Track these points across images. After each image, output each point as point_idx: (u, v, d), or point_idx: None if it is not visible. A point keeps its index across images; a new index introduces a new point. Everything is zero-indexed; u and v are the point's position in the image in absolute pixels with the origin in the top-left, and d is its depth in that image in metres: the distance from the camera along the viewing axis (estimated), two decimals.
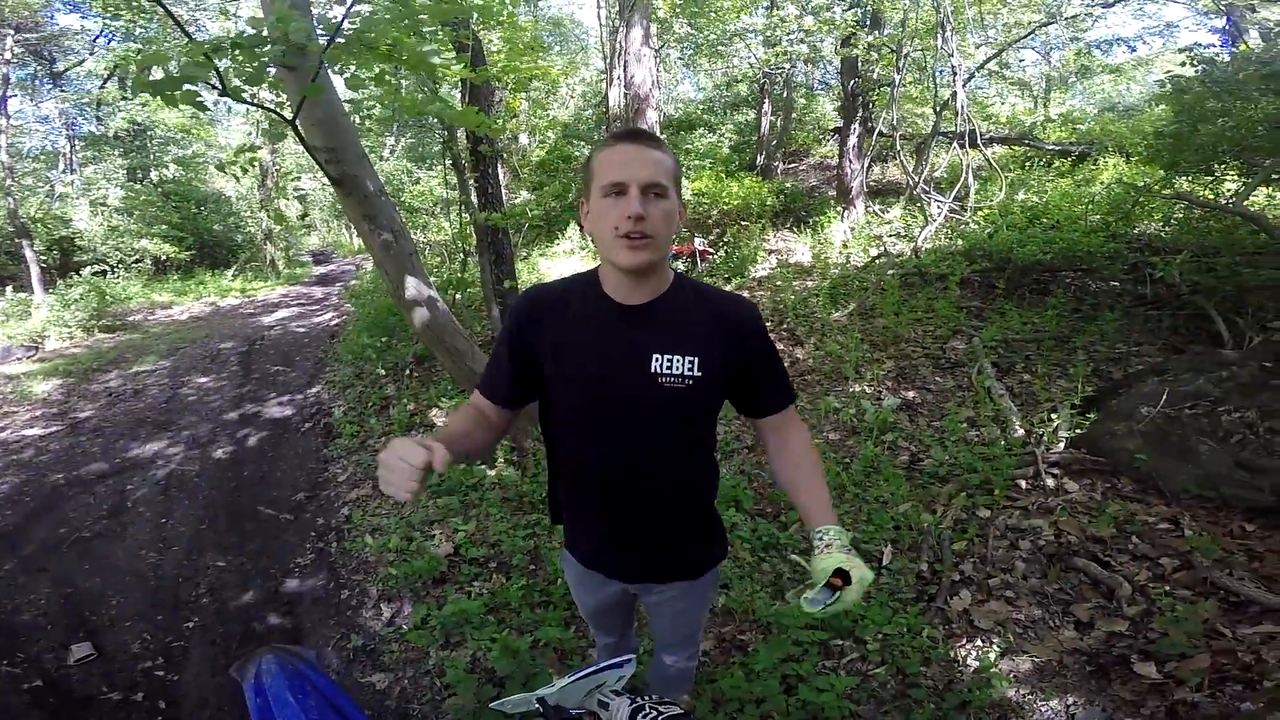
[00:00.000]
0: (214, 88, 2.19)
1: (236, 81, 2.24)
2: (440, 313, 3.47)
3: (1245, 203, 4.81)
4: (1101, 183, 7.85)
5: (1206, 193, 5.49)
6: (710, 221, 9.47)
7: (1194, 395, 3.31)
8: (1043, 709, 2.07)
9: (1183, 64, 5.54)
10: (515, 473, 3.73)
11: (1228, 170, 5.28)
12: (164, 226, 14.25)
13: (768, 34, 9.28)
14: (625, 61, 9.96)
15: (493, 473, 3.77)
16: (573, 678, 0.99)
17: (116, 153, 15.39)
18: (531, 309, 1.30)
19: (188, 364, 7.27)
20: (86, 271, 10.85)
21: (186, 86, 2.08)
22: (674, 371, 1.21)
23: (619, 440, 1.27)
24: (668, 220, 1.16)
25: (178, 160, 16.63)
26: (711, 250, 8.51)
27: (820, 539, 1.17)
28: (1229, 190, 5.42)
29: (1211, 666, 2.07)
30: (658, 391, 1.21)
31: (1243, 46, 7.53)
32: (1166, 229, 5.91)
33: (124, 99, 13.77)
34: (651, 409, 1.23)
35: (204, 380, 6.59)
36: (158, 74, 2.16)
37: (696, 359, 1.21)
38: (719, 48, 10.85)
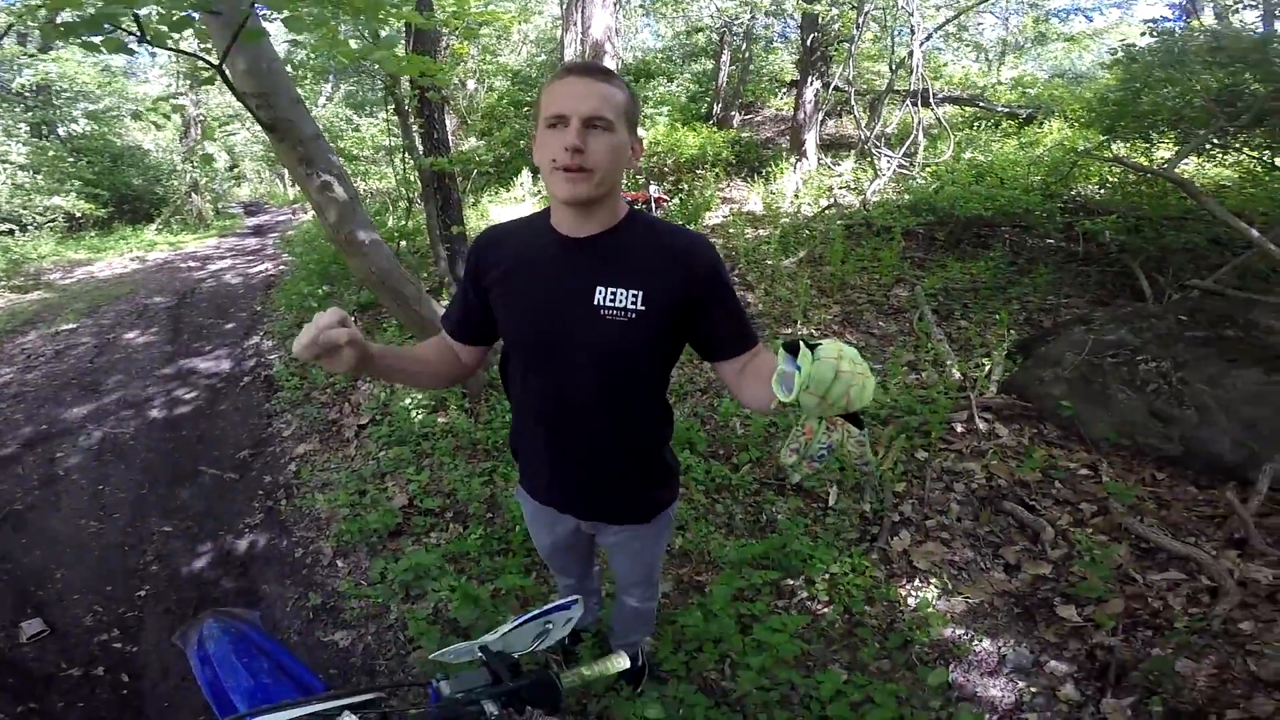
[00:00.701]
0: (132, 34, 2.01)
1: (160, 28, 2.06)
2: (385, 257, 3.35)
3: (1176, 170, 5.04)
4: (1045, 145, 8.10)
5: (1141, 158, 5.74)
6: (666, 170, 9.38)
7: (1116, 344, 3.51)
8: (976, 649, 2.21)
9: (1143, 34, 5.72)
10: (468, 420, 3.71)
11: (1164, 138, 5.51)
12: (77, 183, 13.22)
13: None
14: (583, 5, 9.60)
15: (444, 420, 3.73)
16: (516, 622, 0.99)
17: (18, 109, 14.07)
18: (486, 246, 1.31)
19: (113, 321, 6.87)
20: None
21: (105, 30, 1.90)
22: (617, 305, 1.18)
23: (562, 373, 1.26)
24: (613, 154, 1.12)
25: (89, 115, 15.33)
26: (666, 198, 8.47)
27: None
28: (1162, 159, 5.68)
29: (1125, 611, 2.23)
30: (600, 325, 1.19)
31: (1195, 22, 7.80)
32: (1101, 191, 6.18)
33: (28, 56, 12.53)
34: (593, 342, 1.21)
35: (132, 336, 6.25)
36: (65, 18, 1.96)
37: (641, 293, 1.18)
38: None
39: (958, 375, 3.88)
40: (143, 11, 2.00)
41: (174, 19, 2.05)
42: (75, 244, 12.23)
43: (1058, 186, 6.29)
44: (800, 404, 0.87)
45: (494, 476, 3.24)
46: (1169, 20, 10.20)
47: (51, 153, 13.46)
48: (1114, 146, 5.79)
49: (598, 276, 1.19)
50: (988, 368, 3.88)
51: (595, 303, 1.19)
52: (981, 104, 10.62)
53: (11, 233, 11.22)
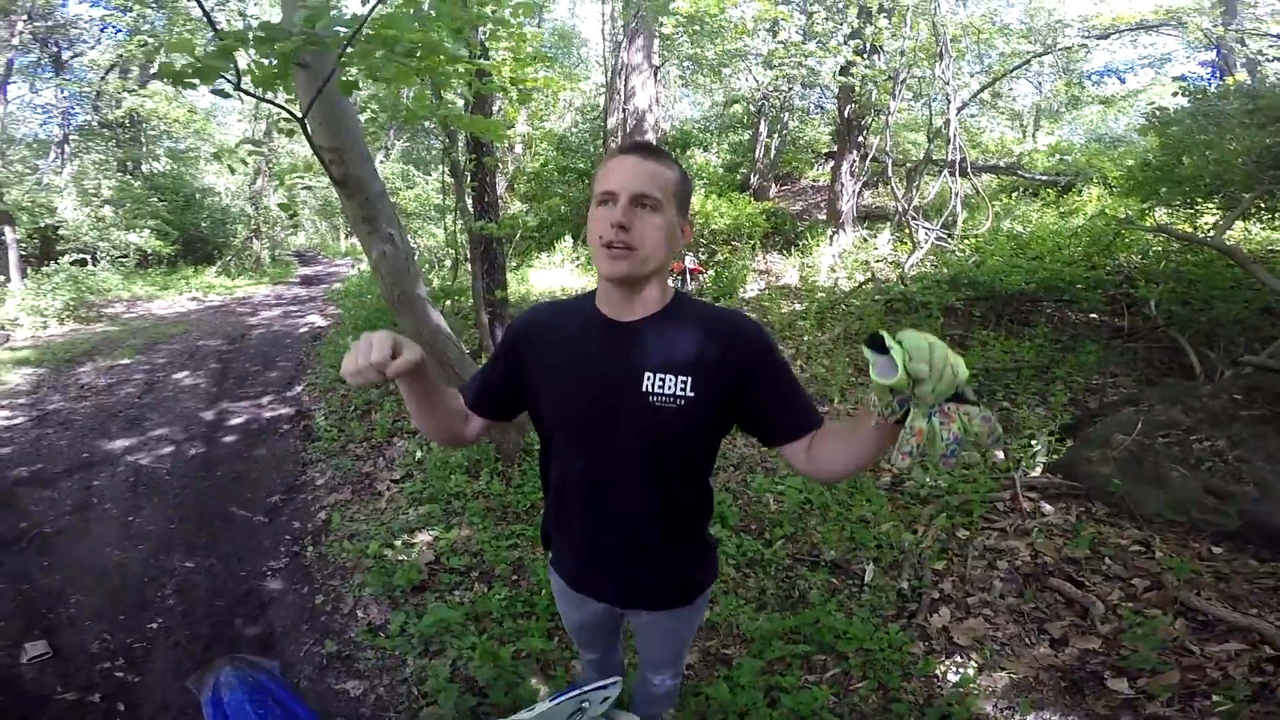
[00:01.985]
0: (230, 82, 2.18)
1: (248, 78, 2.23)
2: (433, 319, 3.46)
3: (1223, 236, 4.92)
4: (1085, 214, 8.03)
5: (1185, 225, 5.62)
6: (701, 241, 9.54)
7: (1167, 425, 3.39)
8: None
9: (1175, 94, 5.67)
10: (500, 484, 3.71)
11: (1207, 203, 5.40)
12: (153, 221, 14.06)
13: (768, 57, 9.42)
14: (626, 77, 10.05)
15: (477, 484, 3.74)
16: (555, 700, 0.95)
17: (110, 144, 15.20)
18: (528, 327, 1.30)
19: (165, 360, 7.15)
20: (64, 260, 10.65)
21: (212, 78, 2.08)
22: (666, 391, 1.16)
23: (608, 458, 1.23)
24: (659, 233, 1.13)
25: (170, 153, 16.46)
26: (702, 269, 8.56)
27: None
28: (1207, 224, 5.56)
29: (1181, 682, 2.13)
30: (649, 411, 1.17)
31: (1230, 80, 7.77)
32: (1145, 261, 6.05)
33: (128, 90, 13.62)
34: (641, 428, 1.18)
35: (181, 376, 6.49)
36: (181, 62, 2.14)
37: (690, 379, 1.16)
38: (720, 68, 10.98)
39: (1000, 456, 3.76)
40: (252, 55, 2.17)
41: (273, 71, 2.22)
42: (141, 280, 12.89)
43: (1100, 258, 6.19)
44: (911, 377, 0.82)
45: (522, 540, 3.21)
46: (1200, 80, 10.21)
47: (137, 187, 14.36)
48: (1156, 214, 5.68)
49: (646, 363, 1.18)
50: (1034, 449, 3.75)
51: (644, 389, 1.17)
52: (1019, 172, 10.65)
53: (84, 263, 11.88)
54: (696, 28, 9.28)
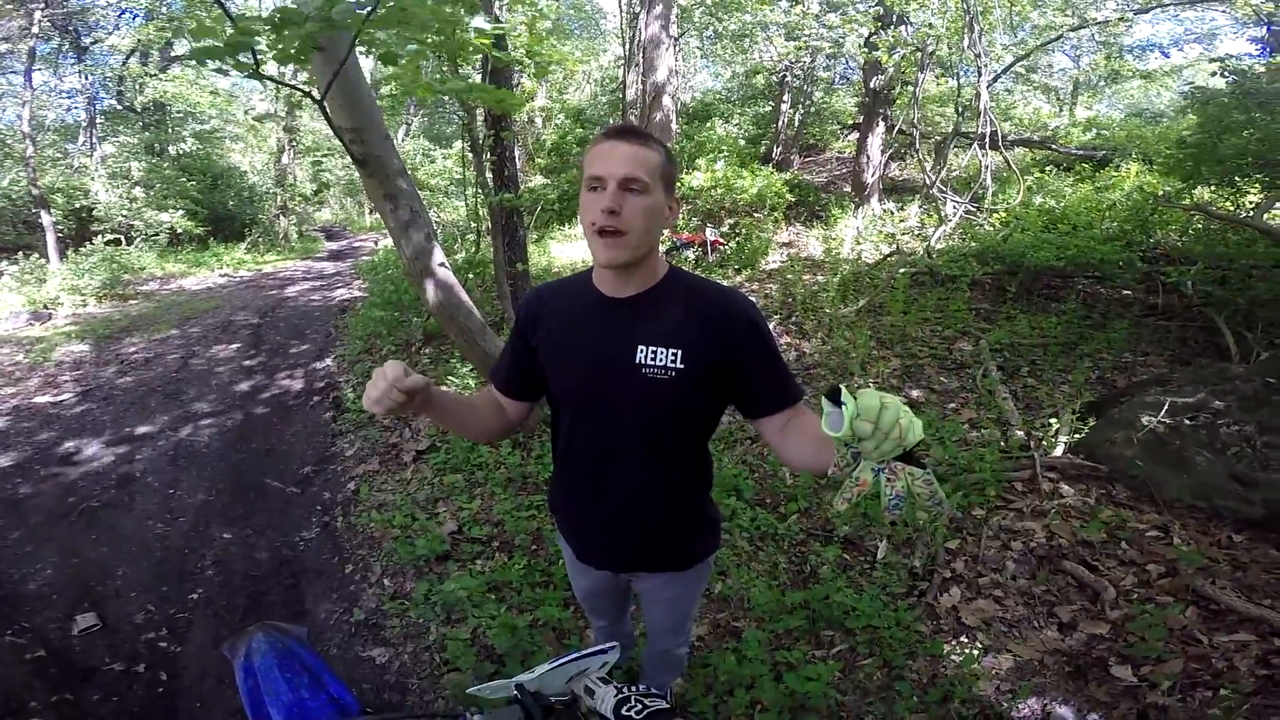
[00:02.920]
0: (247, 64, 2.23)
1: (270, 60, 2.27)
2: (455, 292, 3.52)
3: (1265, 217, 4.76)
4: (1122, 190, 7.79)
5: (1226, 205, 5.45)
6: (723, 211, 9.45)
7: (1195, 407, 3.32)
8: (1021, 706, 2.12)
9: (1214, 74, 5.47)
10: (519, 455, 3.79)
11: (1250, 183, 5.22)
12: (184, 201, 14.37)
13: (790, 28, 9.21)
14: (644, 48, 9.91)
15: (499, 454, 3.82)
16: (553, 664, 1.00)
17: (136, 127, 15.50)
18: (534, 305, 1.38)
19: (200, 334, 7.36)
20: (99, 240, 10.95)
21: (235, 59, 2.13)
22: (657, 363, 1.22)
23: (606, 429, 1.31)
24: (647, 215, 1.17)
25: (195, 135, 16.72)
26: (723, 241, 8.48)
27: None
28: (1249, 204, 5.38)
29: (1184, 671, 2.12)
30: (641, 382, 1.23)
31: (1278, 58, 7.41)
32: (1183, 239, 5.88)
33: (149, 75, 13.84)
34: (635, 399, 1.25)
35: (215, 350, 6.68)
36: (196, 44, 2.19)
37: (680, 352, 1.22)
38: (740, 38, 10.76)
39: (1021, 434, 3.73)
40: (269, 38, 2.22)
41: (289, 53, 2.26)
42: (173, 258, 13.22)
43: (1136, 234, 6.02)
44: (855, 434, 0.87)
45: (540, 511, 3.29)
46: (1248, 56, 9.72)
47: (165, 168, 14.68)
48: (1196, 192, 5.51)
49: (639, 336, 1.24)
50: (1055, 427, 3.71)
51: (637, 361, 1.23)
52: (1053, 146, 10.32)
53: (118, 242, 12.22)
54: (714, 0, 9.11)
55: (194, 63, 2.16)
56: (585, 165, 1.20)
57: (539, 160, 12.99)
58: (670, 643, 1.76)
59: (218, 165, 17.04)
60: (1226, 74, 5.38)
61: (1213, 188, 5.51)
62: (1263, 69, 5.80)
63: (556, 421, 1.42)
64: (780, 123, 12.00)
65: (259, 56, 2.20)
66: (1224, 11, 9.45)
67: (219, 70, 2.20)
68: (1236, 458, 2.97)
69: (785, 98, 11.93)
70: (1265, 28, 8.96)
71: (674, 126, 10.89)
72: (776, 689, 2.10)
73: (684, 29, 11.90)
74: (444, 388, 1.20)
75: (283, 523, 3.49)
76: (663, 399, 1.24)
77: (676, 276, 1.30)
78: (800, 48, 9.25)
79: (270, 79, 2.47)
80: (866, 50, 8.36)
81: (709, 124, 12.69)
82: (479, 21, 2.58)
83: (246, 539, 3.33)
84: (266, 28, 2.14)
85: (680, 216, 9.73)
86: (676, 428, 1.30)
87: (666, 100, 10.08)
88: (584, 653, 1.02)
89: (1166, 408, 3.33)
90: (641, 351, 1.23)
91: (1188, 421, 3.23)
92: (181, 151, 16.31)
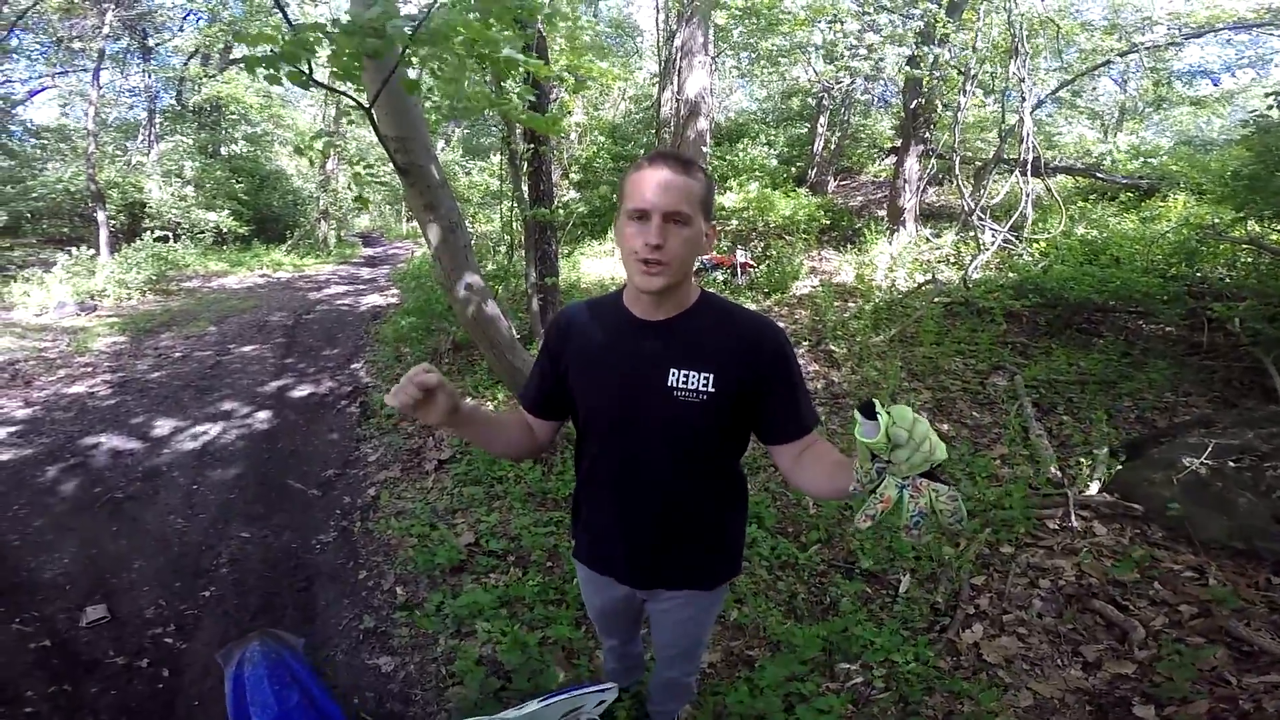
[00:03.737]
0: (304, 74, 2.28)
1: (327, 70, 2.34)
2: (488, 305, 3.54)
3: None
4: (1168, 220, 7.55)
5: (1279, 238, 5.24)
6: (755, 234, 9.40)
7: (1240, 449, 3.18)
8: None
9: (1269, 106, 5.30)
10: (540, 470, 3.77)
11: None
12: (230, 201, 14.83)
13: (829, 48, 9.18)
14: (679, 67, 9.96)
15: (519, 468, 3.82)
16: (545, 701, 0.96)
17: (192, 127, 16.09)
18: (565, 325, 1.41)
19: (235, 332, 7.54)
20: (148, 237, 11.34)
21: (289, 68, 2.19)
22: (689, 386, 1.24)
23: (636, 449, 1.32)
24: (688, 246, 1.19)
25: (247, 137, 17.29)
26: (753, 265, 8.42)
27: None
28: None
29: (1209, 712, 2.04)
30: (673, 405, 1.25)
31: None
32: (1231, 274, 5.66)
33: (208, 76, 14.40)
34: (666, 421, 1.27)
35: (249, 349, 6.83)
36: (256, 51, 2.25)
37: (712, 376, 1.24)
38: (777, 59, 10.77)
39: (1055, 472, 3.60)
40: (327, 48, 2.28)
41: (346, 62, 2.31)
42: (216, 256, 13.62)
43: (1181, 268, 5.82)
44: (890, 441, 0.88)
45: (559, 527, 3.26)
46: None
47: (217, 170, 15.21)
48: (1248, 226, 5.31)
49: (671, 359, 1.26)
50: (1091, 465, 3.58)
51: (669, 384, 1.25)
52: (1098, 175, 10.06)
53: (166, 239, 12.66)
54: (752, 20, 9.12)
55: (246, 69, 2.22)
56: (627, 191, 1.20)
57: (572, 175, 13.12)
58: (680, 670, 1.73)
59: (265, 168, 17.59)
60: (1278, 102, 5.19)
61: (1266, 221, 5.30)
62: None
63: (583, 440, 1.44)
64: (816, 145, 11.94)
65: (312, 66, 2.25)
66: (1279, 36, 9.16)
67: (271, 79, 2.26)
68: None
69: (822, 120, 11.88)
70: None
71: (707, 146, 10.91)
72: None
73: (720, 48, 11.96)
74: (472, 400, 1.26)
75: (301, 524, 3.51)
76: (693, 421, 1.26)
77: (708, 301, 1.32)
78: (840, 68, 9.20)
79: (323, 85, 2.53)
80: (907, 70, 8.29)
81: (742, 144, 12.69)
82: (510, 52, 2.60)
83: (264, 539, 3.35)
84: (322, 38, 2.19)
85: None
86: (705, 449, 1.32)
87: (701, 120, 10.11)
88: (579, 691, 0.98)
89: (1210, 449, 3.19)
90: (674, 375, 1.25)
91: (1231, 463, 3.09)
92: (233, 153, 16.87)
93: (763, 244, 9.32)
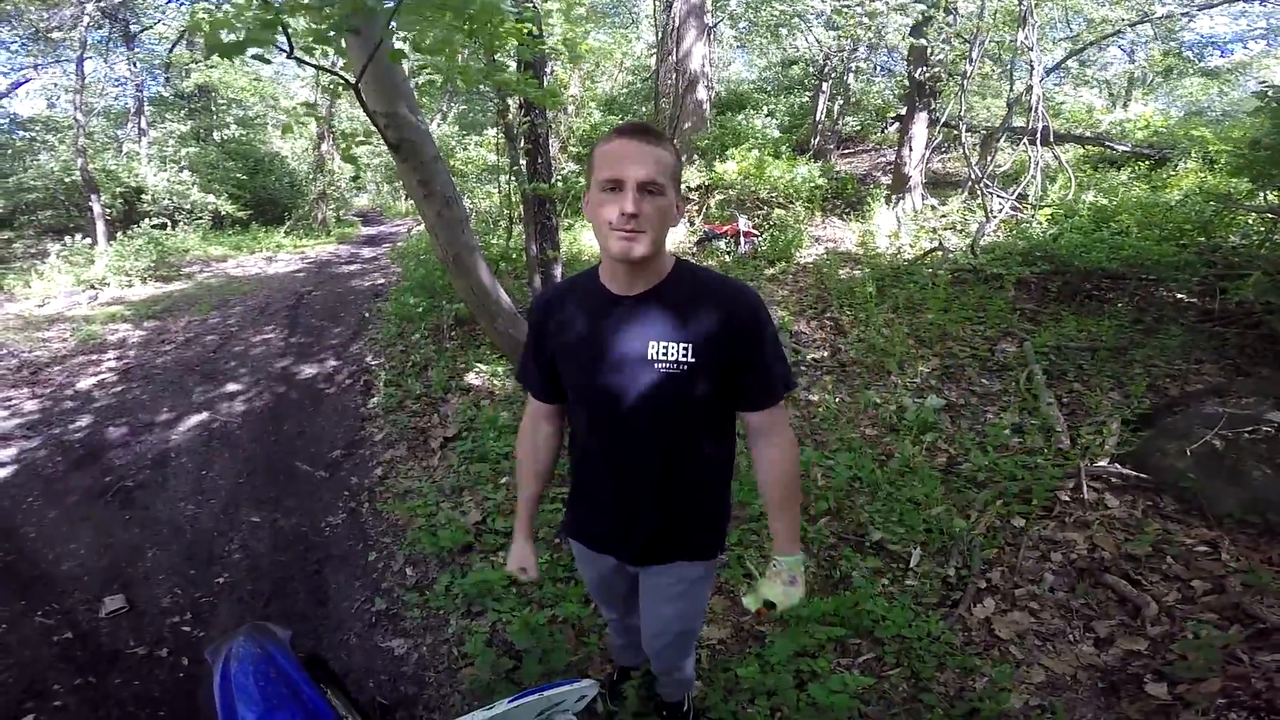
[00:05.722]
0: (281, 50, 2.21)
1: (308, 42, 2.26)
2: (487, 280, 3.50)
3: None
4: (1180, 189, 7.43)
5: None
6: (757, 202, 9.26)
7: (1254, 420, 3.13)
8: None
9: None
10: None
11: None
12: (226, 185, 14.70)
13: (831, 16, 8.97)
14: (678, 37, 9.77)
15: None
16: (517, 699, 0.92)
17: (183, 113, 15.90)
18: (543, 311, 1.43)
19: (238, 316, 7.51)
20: (146, 223, 11.26)
21: (253, 51, 2.12)
22: (669, 357, 1.27)
23: (621, 422, 1.34)
24: (661, 216, 1.21)
25: (239, 121, 17.07)
26: (756, 233, 8.30)
27: (773, 568, 1.36)
28: None
29: (1221, 691, 2.02)
30: (655, 376, 1.28)
31: None
32: (1245, 243, 5.57)
33: (195, 62, 14.18)
34: (649, 392, 1.29)
35: (252, 333, 6.80)
36: (228, 37, 2.19)
37: (691, 345, 1.27)
38: (777, 28, 10.53)
39: (1067, 442, 3.57)
40: (301, 21, 2.20)
41: (322, 33, 2.24)
42: (215, 241, 13.54)
43: (1194, 236, 5.72)
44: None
45: (564, 504, 3.24)
46: None
47: (211, 155, 15.04)
48: (1264, 196, 5.21)
49: (650, 332, 1.29)
50: (1104, 437, 3.54)
51: (649, 356, 1.28)
52: (1106, 143, 9.88)
53: (164, 225, 12.57)
54: None
55: (209, 53, 2.16)
56: (598, 163, 1.21)
57: (571, 148, 12.95)
58: (672, 661, 1.72)
59: (260, 151, 17.40)
60: None
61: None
62: None
63: (573, 419, 1.49)
64: (818, 113, 11.73)
65: (291, 40, 2.18)
66: None
67: (258, 58, 2.20)
68: None
69: (824, 88, 11.65)
70: None
71: (708, 115, 10.73)
72: (799, 698, 2.03)
73: (719, 17, 11.70)
74: (525, 516, 1.64)
75: (310, 507, 3.51)
76: (676, 391, 1.29)
77: (683, 270, 1.33)
78: (842, 36, 8.99)
79: (306, 62, 2.45)
80: (911, 40, 8.10)
81: (743, 114, 12.48)
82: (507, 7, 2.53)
83: (275, 523, 3.36)
84: (300, 13, 2.12)
85: (713, 206, 9.60)
86: (689, 419, 1.35)
87: (701, 89, 9.93)
88: (555, 689, 0.94)
89: (1225, 419, 3.14)
90: (654, 347, 1.28)
91: (1246, 434, 3.05)
92: (226, 137, 16.67)
93: (764, 212, 9.19)
